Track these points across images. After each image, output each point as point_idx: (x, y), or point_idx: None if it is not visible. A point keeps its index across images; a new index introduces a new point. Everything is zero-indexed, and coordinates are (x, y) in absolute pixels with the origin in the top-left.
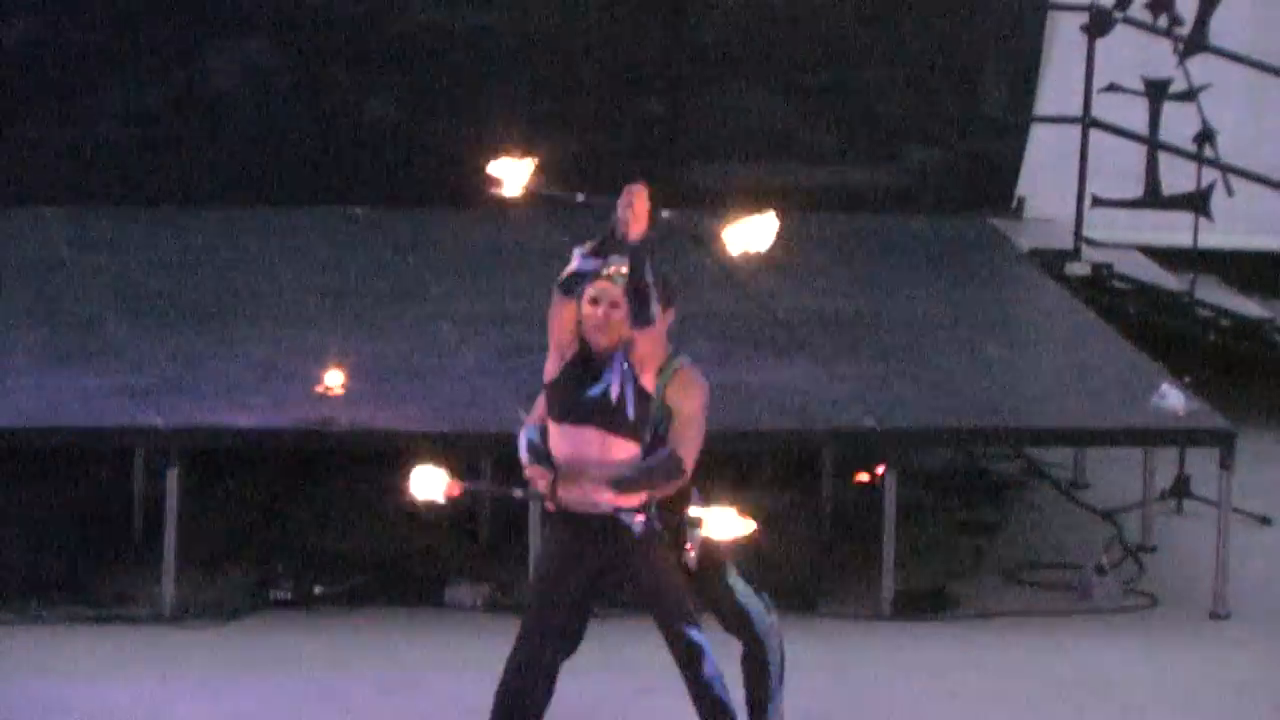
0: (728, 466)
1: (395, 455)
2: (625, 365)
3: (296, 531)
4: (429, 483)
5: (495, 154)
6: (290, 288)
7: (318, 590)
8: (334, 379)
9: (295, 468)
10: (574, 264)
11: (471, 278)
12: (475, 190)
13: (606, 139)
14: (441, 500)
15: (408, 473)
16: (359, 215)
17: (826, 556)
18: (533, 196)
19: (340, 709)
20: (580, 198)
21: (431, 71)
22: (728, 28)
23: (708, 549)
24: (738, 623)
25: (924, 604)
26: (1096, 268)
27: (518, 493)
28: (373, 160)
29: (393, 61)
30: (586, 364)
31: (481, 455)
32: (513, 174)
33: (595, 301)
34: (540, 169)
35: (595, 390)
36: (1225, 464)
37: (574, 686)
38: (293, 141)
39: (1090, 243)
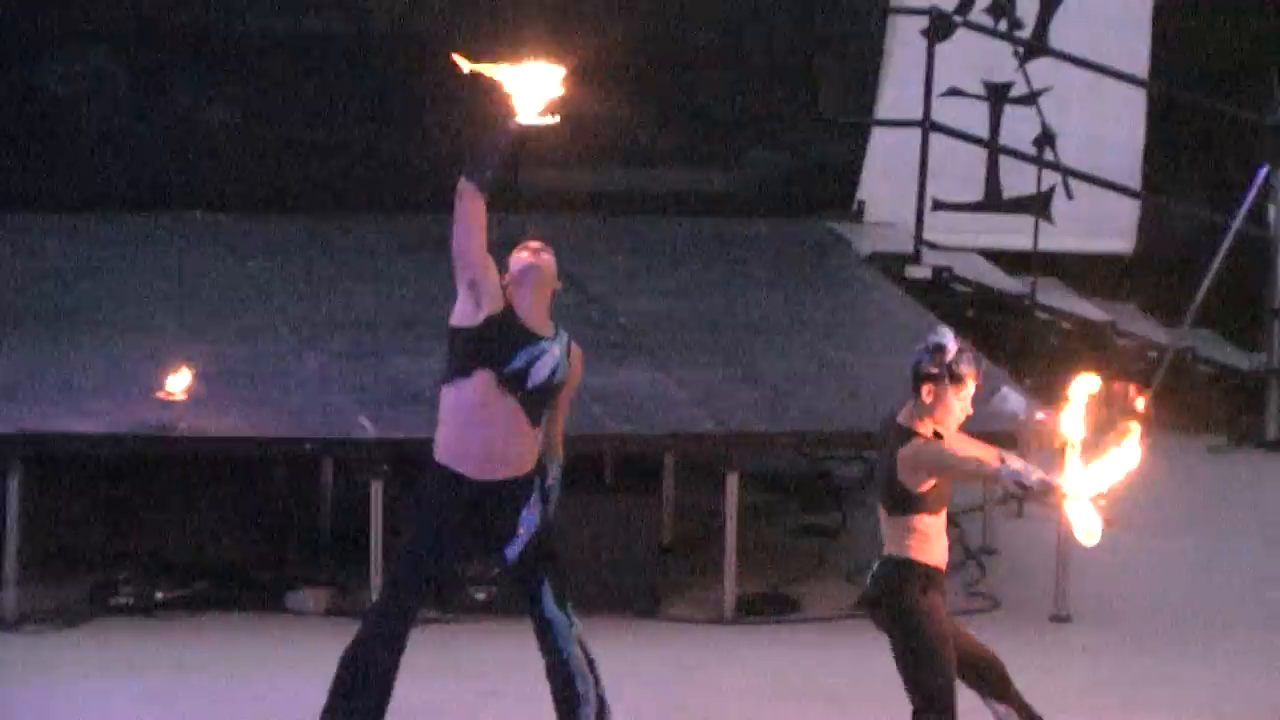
0: (569, 469)
1: (236, 460)
2: None
3: (138, 537)
4: None
5: (339, 158)
6: (131, 293)
7: (159, 596)
8: (176, 384)
9: (137, 473)
10: None
11: (312, 282)
12: (316, 195)
13: (445, 143)
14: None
15: None
16: (198, 219)
17: (668, 560)
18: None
19: (182, 714)
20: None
21: (271, 76)
22: (563, 29)
23: (546, 553)
24: (541, 637)
25: (765, 607)
26: (937, 271)
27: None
28: (212, 165)
29: (232, 67)
30: None
31: (321, 460)
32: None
33: None
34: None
35: None
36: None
37: (419, 689)
38: (133, 147)
39: (931, 246)
